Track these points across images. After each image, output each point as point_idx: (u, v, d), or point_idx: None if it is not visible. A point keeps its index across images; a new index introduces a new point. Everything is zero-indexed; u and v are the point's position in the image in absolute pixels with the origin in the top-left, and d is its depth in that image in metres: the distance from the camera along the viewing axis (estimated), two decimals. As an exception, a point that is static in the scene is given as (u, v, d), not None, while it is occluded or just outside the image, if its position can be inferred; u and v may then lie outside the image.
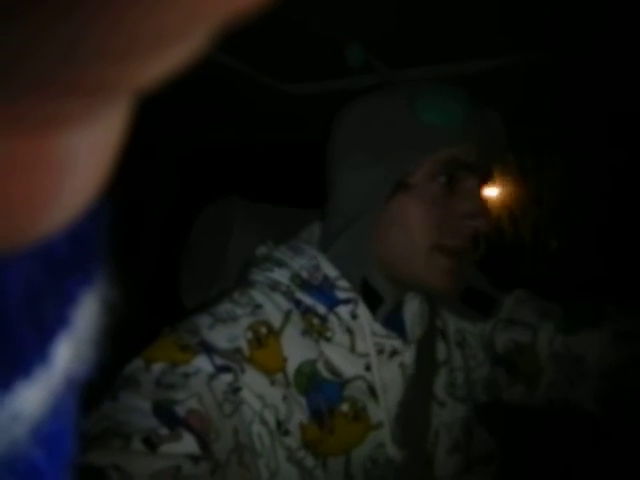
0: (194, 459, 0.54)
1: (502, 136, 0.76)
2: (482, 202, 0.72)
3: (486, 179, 0.75)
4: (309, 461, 0.67)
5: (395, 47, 0.82)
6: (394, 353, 0.76)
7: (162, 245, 1.46)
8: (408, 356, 0.77)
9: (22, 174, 0.11)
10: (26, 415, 0.13)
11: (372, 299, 0.74)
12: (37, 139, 0.11)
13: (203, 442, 0.56)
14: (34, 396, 0.13)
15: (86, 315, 0.14)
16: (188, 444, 0.54)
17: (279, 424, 0.66)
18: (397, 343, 0.76)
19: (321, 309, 0.73)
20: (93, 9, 0.09)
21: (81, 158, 0.12)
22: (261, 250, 0.80)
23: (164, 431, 0.54)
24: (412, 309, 0.80)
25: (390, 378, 0.75)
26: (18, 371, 0.12)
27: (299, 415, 0.68)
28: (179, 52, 0.10)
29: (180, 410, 0.57)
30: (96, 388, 0.15)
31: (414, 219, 0.72)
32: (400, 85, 0.77)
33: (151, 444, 0.52)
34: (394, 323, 0.77)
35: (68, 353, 0.13)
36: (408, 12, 0.72)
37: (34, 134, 0.11)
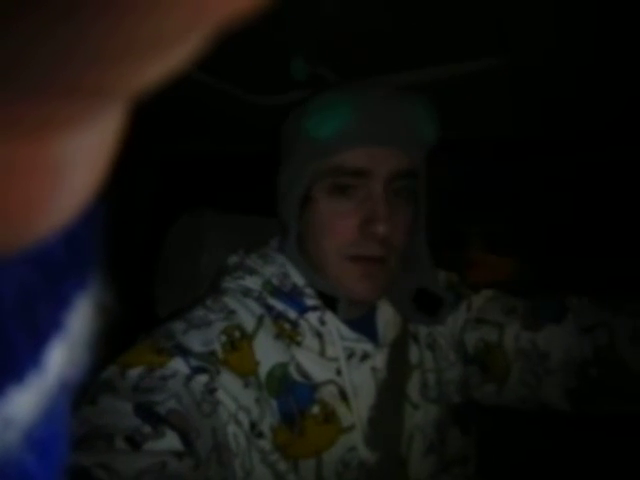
0: (178, 455, 0.54)
1: (423, 126, 0.72)
2: (378, 205, 0.69)
3: (409, 173, 0.72)
4: (281, 465, 0.68)
5: (349, 58, 0.83)
6: (365, 357, 0.77)
7: (137, 256, 1.44)
8: (379, 360, 0.78)
9: (19, 177, 0.11)
10: (19, 420, 0.13)
11: (331, 302, 0.75)
12: (35, 142, 0.11)
13: (186, 439, 0.56)
14: (27, 401, 0.13)
15: (80, 319, 0.14)
16: (171, 441, 0.55)
17: (253, 426, 0.67)
18: (368, 347, 0.77)
19: (292, 314, 0.74)
20: (91, 13, 0.09)
21: (77, 161, 0.12)
22: (232, 259, 0.81)
23: (147, 429, 0.54)
24: (385, 313, 0.81)
25: (361, 382, 0.76)
26: (11, 376, 0.12)
27: (270, 418, 0.68)
28: (176, 56, 0.11)
29: (161, 409, 0.57)
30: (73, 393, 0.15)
31: (319, 233, 0.73)
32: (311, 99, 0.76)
33: (134, 442, 0.52)
34: (366, 327, 0.78)
35: (62, 357, 0.13)
36: (365, 21, 0.73)
37: (32, 137, 0.11)
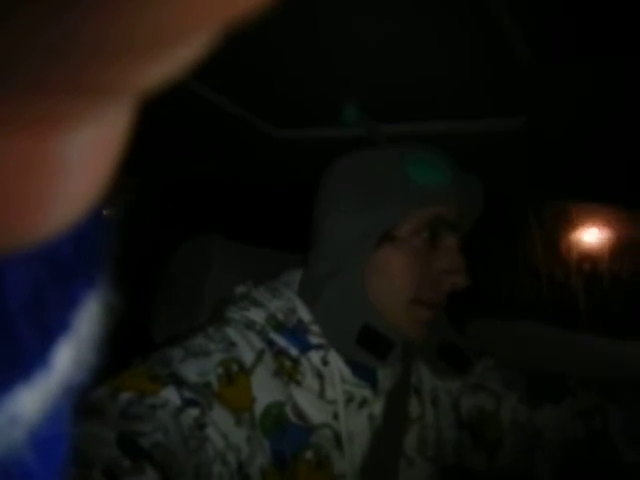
0: None
1: (480, 199, 0.80)
2: (460, 259, 0.74)
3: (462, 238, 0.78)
4: None
5: (382, 101, 0.85)
6: (364, 403, 0.75)
7: (138, 276, 1.44)
8: (377, 407, 0.76)
9: (17, 174, 0.11)
10: (24, 418, 0.12)
11: (376, 345, 0.74)
12: (32, 139, 0.10)
13: (166, 477, 0.54)
14: (33, 400, 0.12)
15: (88, 320, 0.14)
16: (150, 478, 0.52)
17: (240, 467, 0.64)
18: (367, 393, 0.75)
19: (293, 352, 0.73)
20: (89, 7, 0.09)
21: (79, 160, 0.11)
22: (240, 289, 0.80)
23: (126, 463, 0.52)
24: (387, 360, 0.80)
25: (358, 428, 0.74)
26: (18, 373, 0.12)
27: (261, 459, 0.66)
28: (178, 55, 0.10)
29: (145, 442, 0.55)
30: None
31: (397, 270, 0.73)
32: (392, 144, 0.80)
33: (112, 476, 0.50)
34: (366, 373, 0.77)
35: (69, 358, 0.13)
36: (397, 67, 0.74)
37: (29, 133, 0.10)
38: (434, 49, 0.67)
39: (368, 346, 0.73)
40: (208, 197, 1.59)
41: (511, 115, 0.83)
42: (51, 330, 0.13)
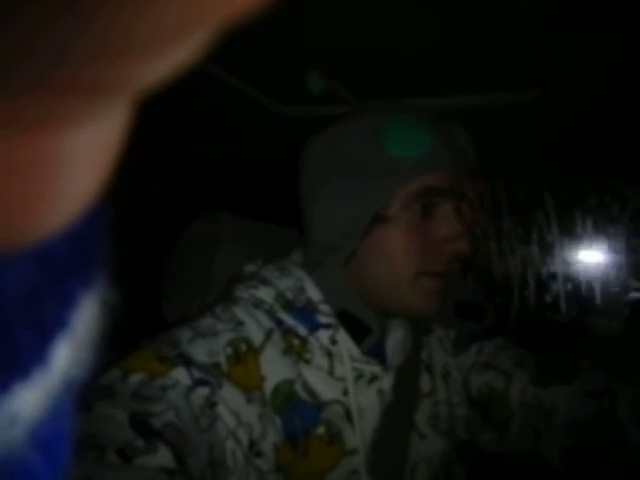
0: (169, 473, 0.52)
1: (469, 152, 0.77)
2: (460, 224, 0.72)
3: (463, 198, 0.75)
4: None
5: (395, 75, 0.84)
6: (373, 379, 0.76)
7: (150, 256, 1.45)
8: (387, 382, 0.77)
9: (19, 174, 0.11)
10: (23, 417, 0.13)
11: (356, 328, 0.74)
12: (34, 138, 0.11)
13: (179, 456, 0.54)
14: (32, 399, 0.13)
15: (85, 317, 0.14)
16: (164, 457, 0.53)
17: (252, 444, 0.65)
18: (377, 369, 0.76)
19: (302, 331, 0.73)
20: (89, 8, 0.09)
21: (79, 159, 0.12)
22: (249, 267, 0.80)
23: (139, 443, 0.53)
24: (395, 337, 0.80)
25: (368, 404, 0.74)
26: (16, 373, 0.12)
27: (273, 436, 0.67)
28: (177, 54, 0.10)
29: (156, 422, 0.55)
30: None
31: (395, 251, 0.72)
32: (364, 115, 0.77)
33: (126, 456, 0.51)
34: (375, 349, 0.77)
35: (66, 355, 0.13)
36: (410, 41, 0.73)
37: (30, 134, 0.10)
38: (447, 22, 0.65)
39: (346, 328, 0.74)
40: (218, 177, 1.58)
41: (524, 88, 0.81)
42: (48, 328, 0.13)
